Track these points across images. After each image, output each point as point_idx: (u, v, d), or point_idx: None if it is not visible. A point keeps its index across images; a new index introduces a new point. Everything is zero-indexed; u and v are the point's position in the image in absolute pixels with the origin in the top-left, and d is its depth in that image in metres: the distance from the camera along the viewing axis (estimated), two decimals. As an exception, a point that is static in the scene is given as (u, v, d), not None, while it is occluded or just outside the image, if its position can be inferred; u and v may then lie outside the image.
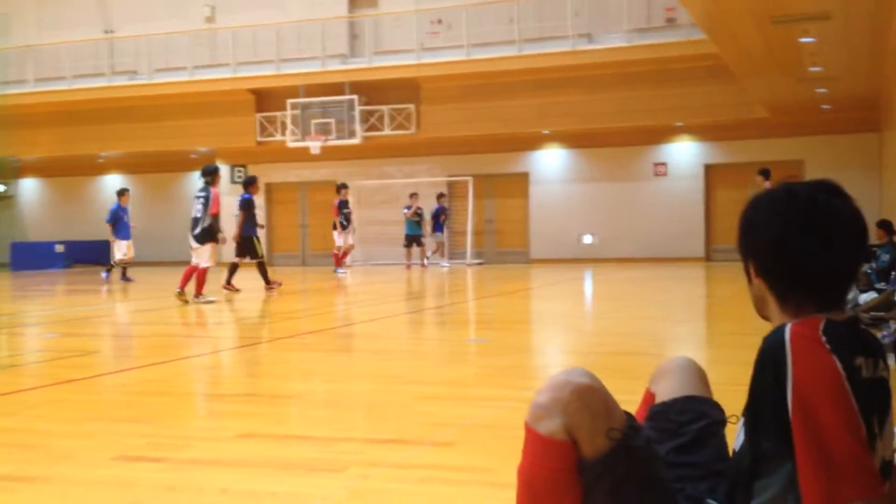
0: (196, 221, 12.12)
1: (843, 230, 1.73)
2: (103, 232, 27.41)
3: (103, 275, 18.07)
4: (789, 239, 1.73)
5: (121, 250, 17.68)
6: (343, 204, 19.18)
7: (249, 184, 13.79)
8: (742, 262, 1.86)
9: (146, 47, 24.66)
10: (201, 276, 12.00)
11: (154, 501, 2.94)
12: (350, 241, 19.58)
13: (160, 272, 22.73)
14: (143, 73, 24.69)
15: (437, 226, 22.06)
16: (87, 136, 25.04)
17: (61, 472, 3.32)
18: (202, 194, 12.16)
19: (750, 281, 1.85)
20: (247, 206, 13.62)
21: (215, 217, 12.06)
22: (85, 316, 10.99)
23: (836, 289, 1.75)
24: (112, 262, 18.03)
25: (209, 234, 12.04)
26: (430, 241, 22.25)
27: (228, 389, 5.64)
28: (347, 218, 19.17)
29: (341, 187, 19.41)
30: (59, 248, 26.05)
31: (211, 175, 12.33)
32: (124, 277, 17.86)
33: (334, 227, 19.23)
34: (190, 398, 5.10)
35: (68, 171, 27.85)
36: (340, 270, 19.21)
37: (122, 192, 18.21)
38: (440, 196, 22.39)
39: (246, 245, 13.57)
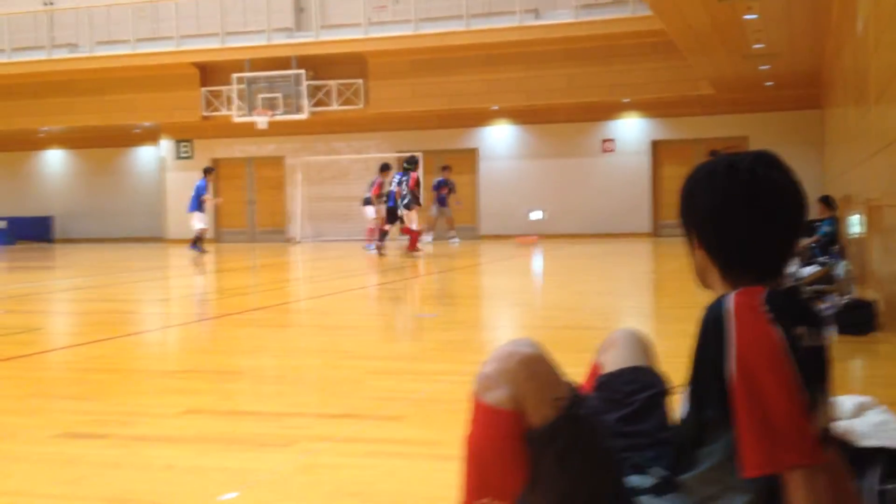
0: (401, 196, 16.30)
1: (783, 202, 1.75)
2: (47, 207, 27.12)
3: (192, 248, 18.57)
4: (730, 211, 1.74)
5: (203, 221, 18.82)
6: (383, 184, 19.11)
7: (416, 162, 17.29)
8: (684, 233, 1.87)
9: (87, 19, 24.08)
10: (416, 236, 16.61)
11: (98, 478, 2.91)
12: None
13: (104, 248, 22.40)
14: (83, 46, 24.12)
15: (440, 198, 21.06)
16: (26, 111, 24.43)
17: (3, 450, 3.27)
18: (404, 177, 16.39)
19: (692, 252, 1.87)
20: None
21: (413, 191, 16.31)
22: (29, 292, 10.78)
23: (776, 260, 1.77)
24: (198, 235, 18.80)
25: (416, 201, 16.33)
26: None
27: (175, 366, 5.58)
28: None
29: (385, 168, 18.88)
30: (1, 225, 25.51)
31: (414, 164, 16.82)
32: (195, 247, 18.60)
33: (366, 203, 19.18)
34: (136, 375, 5.03)
35: (8, 146, 27.22)
36: (370, 246, 18.85)
37: (209, 171, 19.44)
38: (444, 168, 21.24)
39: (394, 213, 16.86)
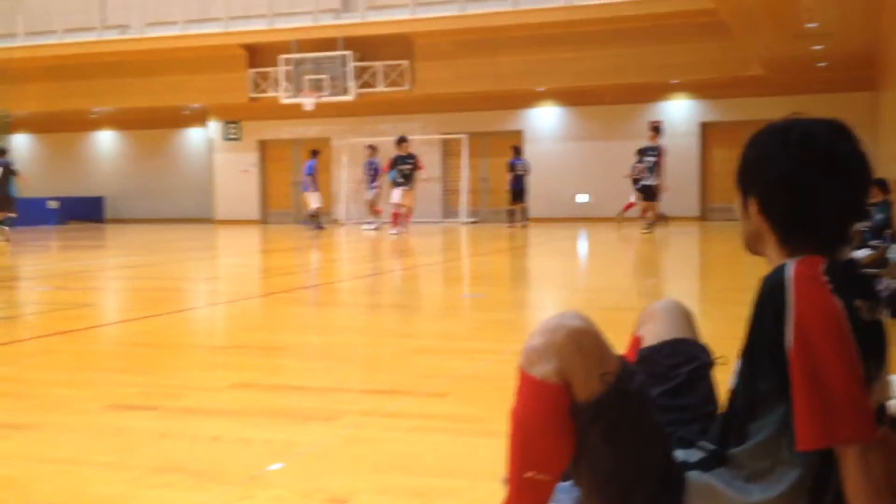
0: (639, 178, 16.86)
1: (854, 174, 1.71)
2: (96, 188, 27.58)
3: (310, 225, 19.93)
4: (802, 180, 1.69)
5: (317, 201, 20.07)
6: (399, 159, 17.92)
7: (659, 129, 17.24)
8: (740, 195, 1.82)
9: (137, 1, 24.35)
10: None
11: (146, 448, 2.95)
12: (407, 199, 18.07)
13: (154, 228, 22.72)
14: (133, 28, 24.40)
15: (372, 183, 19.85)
16: (77, 92, 24.79)
17: (54, 420, 3.32)
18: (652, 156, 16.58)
19: (746, 216, 1.81)
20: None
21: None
22: (80, 270, 10.97)
23: (839, 231, 1.73)
24: (310, 213, 20.05)
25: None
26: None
27: (222, 342, 5.65)
28: (404, 174, 17.85)
29: (400, 140, 18.07)
30: (53, 205, 25.94)
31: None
32: (318, 226, 19.76)
33: (393, 184, 17.99)
34: (183, 350, 5.10)
35: (60, 126, 27.65)
36: (392, 231, 17.73)
37: (316, 153, 20.43)
38: (371, 148, 20.20)
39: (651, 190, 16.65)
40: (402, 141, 18.11)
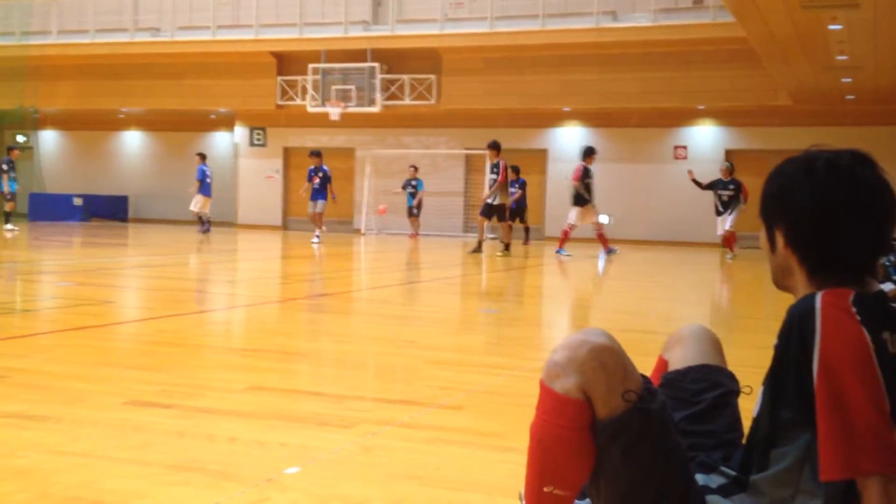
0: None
1: (880, 204, 1.70)
2: (121, 187, 27.79)
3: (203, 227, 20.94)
4: (827, 209, 1.69)
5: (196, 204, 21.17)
6: (586, 172, 15.71)
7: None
8: (766, 230, 1.82)
9: (170, 5, 24.58)
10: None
11: (164, 445, 2.96)
12: (594, 218, 16.21)
13: (176, 229, 22.86)
14: (165, 31, 24.62)
15: (317, 192, 18.80)
16: (107, 91, 25.03)
17: (72, 413, 3.34)
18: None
19: (773, 250, 1.80)
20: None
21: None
22: (102, 267, 11.05)
23: (867, 262, 1.72)
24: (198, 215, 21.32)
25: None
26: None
27: (240, 344, 5.67)
28: (589, 190, 15.77)
29: (589, 152, 15.86)
30: (78, 202, 26.16)
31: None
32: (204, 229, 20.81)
33: (577, 202, 15.89)
34: (202, 350, 5.12)
35: (88, 124, 27.90)
36: (564, 252, 16.12)
37: (204, 155, 21.91)
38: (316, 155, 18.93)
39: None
40: (591, 153, 15.95)
